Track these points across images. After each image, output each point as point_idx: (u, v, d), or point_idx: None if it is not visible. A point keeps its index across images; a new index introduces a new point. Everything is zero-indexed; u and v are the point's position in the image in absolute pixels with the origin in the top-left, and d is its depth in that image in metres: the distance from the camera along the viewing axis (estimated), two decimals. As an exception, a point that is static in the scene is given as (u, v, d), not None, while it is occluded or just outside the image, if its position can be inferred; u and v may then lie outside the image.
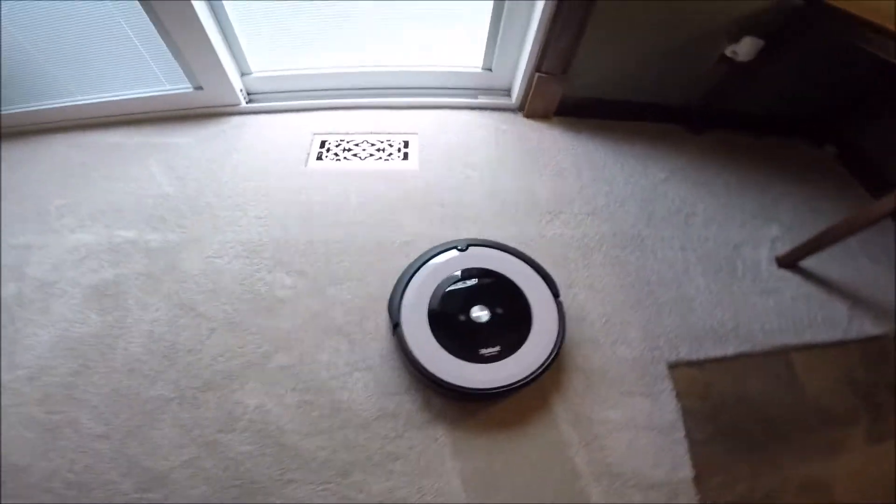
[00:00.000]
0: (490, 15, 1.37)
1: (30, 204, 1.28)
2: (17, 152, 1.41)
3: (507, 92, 1.58)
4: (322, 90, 1.53)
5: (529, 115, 1.55)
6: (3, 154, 1.39)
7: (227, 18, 1.32)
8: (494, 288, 1.04)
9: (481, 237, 1.19)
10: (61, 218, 1.25)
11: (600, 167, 1.45)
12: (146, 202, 1.28)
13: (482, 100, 1.55)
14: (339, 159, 1.40)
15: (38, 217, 1.25)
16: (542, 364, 0.94)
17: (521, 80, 1.46)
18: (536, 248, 1.22)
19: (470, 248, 1.11)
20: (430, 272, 1.07)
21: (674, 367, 1.06)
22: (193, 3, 1.19)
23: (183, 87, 1.44)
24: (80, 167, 1.37)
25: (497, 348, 0.95)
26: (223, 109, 1.48)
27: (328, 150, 1.42)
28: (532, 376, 0.92)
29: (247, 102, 1.51)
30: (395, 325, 0.99)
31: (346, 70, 1.49)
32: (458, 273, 1.06)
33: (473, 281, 1.05)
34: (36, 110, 1.40)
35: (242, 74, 1.48)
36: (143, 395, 0.95)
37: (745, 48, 1.33)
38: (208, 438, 0.91)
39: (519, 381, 0.92)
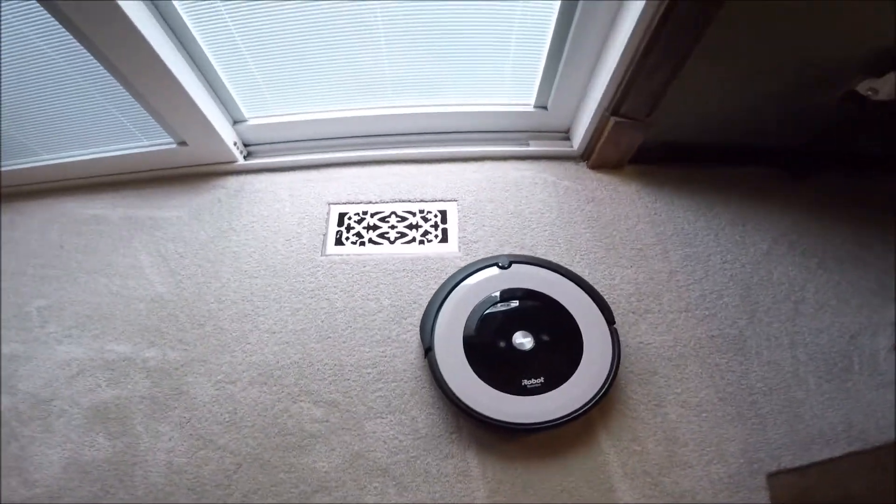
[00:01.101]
0: (549, 41, 1.03)
1: (7, 301, 1.11)
2: None
3: (566, 134, 1.25)
4: (336, 139, 1.24)
5: (597, 166, 1.24)
6: None
7: (202, 52, 1.01)
8: (540, 311, 0.97)
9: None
10: (45, 324, 1.07)
11: (691, 240, 1.16)
12: (137, 307, 1.08)
13: (535, 146, 1.24)
14: (364, 241, 1.14)
15: (19, 321, 1.08)
16: (593, 397, 0.87)
17: (588, 122, 1.14)
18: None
19: (513, 265, 1.02)
20: (467, 292, 0.99)
21: (773, 476, 0.92)
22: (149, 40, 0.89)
23: (163, 142, 1.17)
24: (58, 252, 1.16)
25: (541, 379, 0.88)
26: (217, 168, 1.21)
27: (348, 227, 1.16)
28: (580, 411, 0.86)
29: (245, 158, 1.22)
30: (427, 350, 0.93)
31: (363, 113, 1.19)
32: (498, 294, 0.98)
33: (515, 303, 0.97)
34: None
35: (235, 122, 1.19)
36: None
37: (888, 85, 1.00)
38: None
39: (565, 417, 0.86)
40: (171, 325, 1.06)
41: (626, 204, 1.21)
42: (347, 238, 1.15)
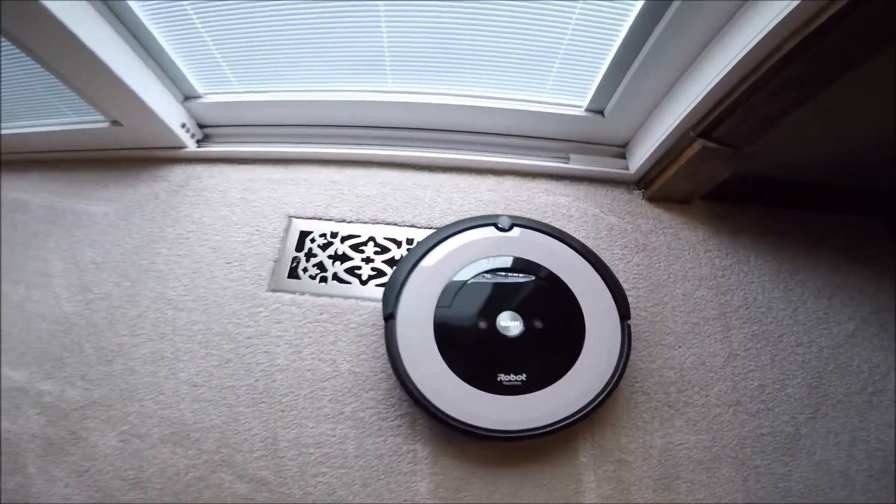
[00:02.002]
0: (623, 33, 0.71)
1: None
2: None
3: (622, 151, 0.91)
4: (314, 127, 0.95)
5: (657, 198, 0.90)
6: None
7: (132, 12, 0.75)
8: (538, 291, 0.78)
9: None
10: None
11: (762, 316, 0.85)
12: (39, 327, 0.85)
13: (577, 163, 0.90)
14: (326, 277, 0.86)
15: None
16: (587, 405, 0.72)
17: (659, 140, 0.81)
18: (632, 463, 0.77)
19: (515, 228, 0.83)
20: (451, 254, 0.80)
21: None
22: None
23: (94, 120, 0.90)
24: None
25: (522, 377, 0.72)
26: (161, 154, 0.95)
27: (309, 253, 0.87)
28: (567, 421, 0.71)
29: (198, 143, 0.94)
30: (388, 318, 0.75)
31: (351, 97, 0.88)
32: (490, 260, 0.80)
33: (510, 276, 0.79)
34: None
35: (186, 98, 0.90)
36: None
37: None
38: None
39: (547, 427, 0.70)
40: (75, 357, 0.84)
41: (687, 258, 0.88)
42: (305, 269, 0.86)
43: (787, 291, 0.88)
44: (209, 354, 0.81)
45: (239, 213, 0.90)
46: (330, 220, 0.89)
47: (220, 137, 0.96)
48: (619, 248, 0.88)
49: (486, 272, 0.79)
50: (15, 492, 0.77)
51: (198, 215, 0.90)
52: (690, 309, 0.85)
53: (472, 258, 0.80)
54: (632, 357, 0.80)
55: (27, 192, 0.97)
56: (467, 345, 0.75)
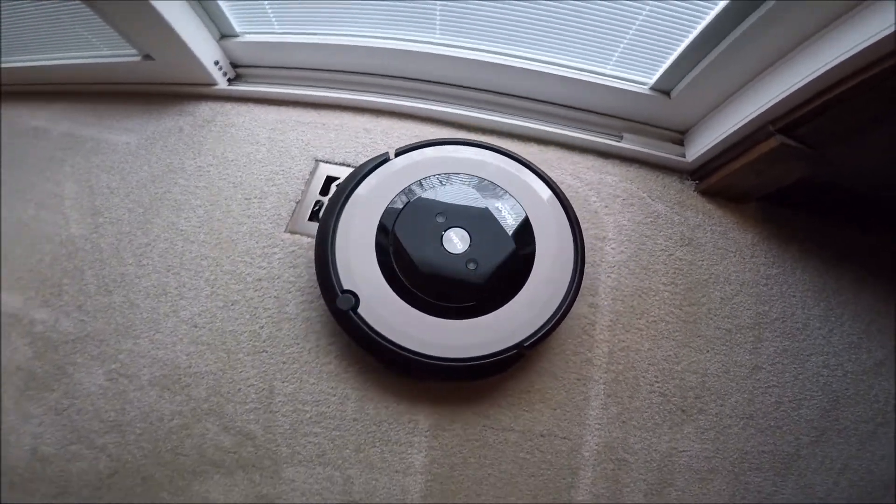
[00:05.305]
0: (712, 16, 0.65)
1: None
2: None
3: (680, 137, 0.84)
4: (351, 74, 0.90)
5: (711, 192, 0.84)
6: None
7: None
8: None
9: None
10: None
11: (797, 332, 0.80)
12: (42, 249, 0.81)
13: (630, 143, 0.84)
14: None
15: None
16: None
17: (728, 130, 0.74)
18: (632, 465, 0.72)
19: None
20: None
21: None
22: None
23: (126, 54, 0.87)
24: None
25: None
26: (190, 90, 0.91)
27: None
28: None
29: (230, 81, 0.90)
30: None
31: (394, 46, 0.83)
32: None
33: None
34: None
35: (222, 37, 0.86)
36: None
37: None
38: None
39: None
40: (75, 284, 0.79)
41: (732, 260, 0.82)
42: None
43: (826, 311, 0.82)
44: (215, 294, 0.76)
45: (265, 151, 0.85)
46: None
47: (253, 77, 0.92)
48: (663, 238, 0.81)
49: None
50: None
51: (221, 150, 0.85)
52: (726, 314, 0.79)
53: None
54: (657, 355, 0.76)
55: (49, 120, 0.94)
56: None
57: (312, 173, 0.84)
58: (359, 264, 0.68)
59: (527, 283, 0.69)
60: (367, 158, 0.83)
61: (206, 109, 0.89)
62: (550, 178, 0.76)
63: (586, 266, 0.78)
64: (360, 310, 0.66)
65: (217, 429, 0.72)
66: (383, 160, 0.75)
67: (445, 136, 0.82)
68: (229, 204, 0.81)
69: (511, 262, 0.69)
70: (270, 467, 0.70)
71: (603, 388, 0.74)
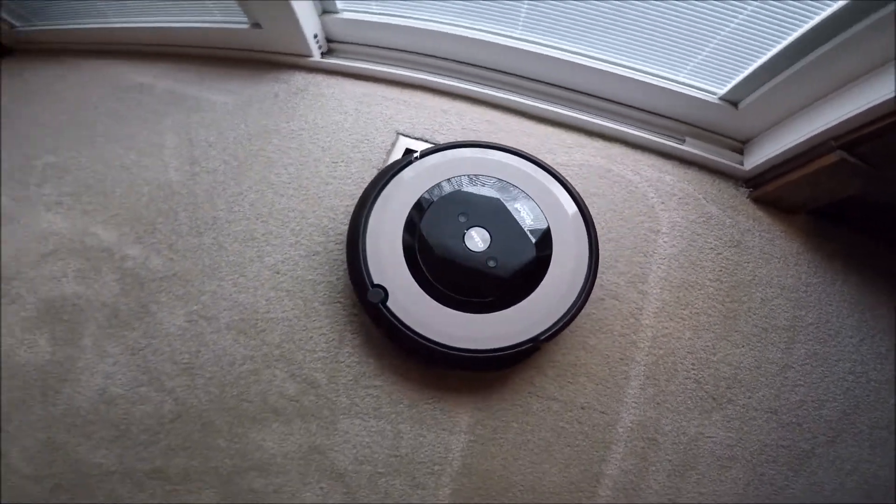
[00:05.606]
0: (798, 35, 0.69)
1: (19, 153, 0.95)
2: (36, 77, 1.05)
3: (740, 146, 0.89)
4: (435, 58, 0.97)
5: (764, 200, 0.89)
6: (26, 77, 1.06)
7: None
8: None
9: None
10: (43, 183, 0.92)
11: (830, 338, 0.85)
12: (140, 190, 0.89)
13: (691, 147, 0.89)
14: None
15: (21, 174, 0.93)
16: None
17: (789, 143, 0.79)
18: (661, 445, 0.78)
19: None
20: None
21: None
22: None
23: (236, 21, 0.95)
24: (90, 110, 0.99)
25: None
26: (287, 59, 0.98)
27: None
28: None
29: (322, 54, 0.97)
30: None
31: (478, 37, 0.89)
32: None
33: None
34: (61, 30, 1.06)
35: (324, 12, 0.93)
36: (82, 457, 0.76)
37: None
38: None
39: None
40: (168, 224, 0.87)
41: (776, 265, 0.86)
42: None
43: (860, 322, 0.86)
44: (298, 243, 0.83)
45: (351, 121, 0.92)
46: (435, 143, 0.90)
47: (343, 53, 0.99)
48: (714, 238, 0.86)
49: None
50: (59, 363, 0.79)
51: (312, 117, 0.93)
52: (765, 314, 0.84)
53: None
54: (696, 345, 0.81)
55: (154, 77, 1.02)
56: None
57: (393, 144, 0.91)
58: (387, 260, 0.73)
59: (542, 282, 0.73)
60: (443, 137, 0.90)
61: (299, 79, 0.97)
62: (567, 180, 0.80)
63: (637, 255, 0.84)
64: (388, 303, 0.71)
65: (284, 375, 0.77)
66: (410, 161, 0.79)
67: (474, 140, 0.85)
68: (318, 165, 0.89)
69: (528, 262, 0.74)
70: (328, 417, 0.76)
71: (643, 369, 0.80)
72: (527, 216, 0.76)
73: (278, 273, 0.82)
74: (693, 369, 0.80)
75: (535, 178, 0.79)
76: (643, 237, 0.85)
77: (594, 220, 0.78)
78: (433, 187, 0.77)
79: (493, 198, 0.77)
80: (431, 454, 0.75)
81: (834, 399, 0.82)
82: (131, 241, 0.86)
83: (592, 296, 0.76)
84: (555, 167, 0.82)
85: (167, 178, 0.90)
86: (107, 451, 0.75)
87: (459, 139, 0.89)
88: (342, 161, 0.89)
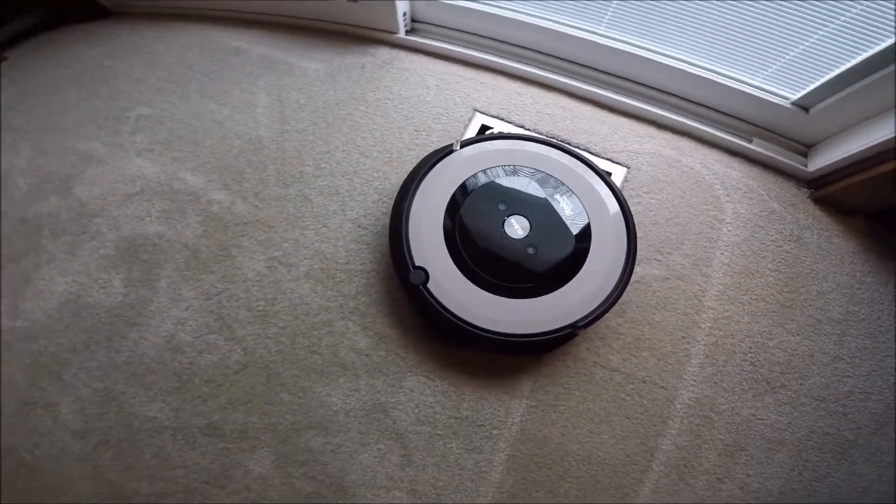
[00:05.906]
0: (881, 48, 0.73)
1: (114, 104, 0.99)
2: (134, 38, 1.10)
3: (804, 149, 0.93)
4: (513, 45, 1.03)
5: (824, 201, 0.92)
6: (125, 38, 1.10)
7: None
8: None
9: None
10: (135, 133, 0.96)
11: (881, 333, 0.87)
12: (231, 143, 0.93)
13: (758, 146, 0.94)
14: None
15: (115, 123, 0.97)
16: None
17: (855, 148, 0.82)
18: (716, 423, 0.80)
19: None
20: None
21: None
22: None
23: None
24: (186, 69, 1.04)
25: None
26: (373, 34, 1.04)
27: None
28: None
29: (406, 32, 1.03)
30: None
31: (556, 28, 0.95)
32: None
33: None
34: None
35: (414, -8, 0.99)
36: (136, 409, 0.76)
37: None
38: (191, 485, 0.73)
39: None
40: (255, 174, 0.91)
41: (832, 261, 0.89)
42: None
43: None
44: (381, 201, 0.88)
45: (433, 95, 0.98)
46: (510, 122, 0.95)
47: (425, 32, 1.05)
48: (775, 231, 0.90)
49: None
50: (131, 306, 0.80)
51: (397, 88, 0.98)
52: (820, 306, 0.86)
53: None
54: (753, 329, 0.83)
55: (249, 43, 1.08)
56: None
57: (470, 120, 0.96)
58: (428, 244, 0.75)
59: (580, 272, 0.75)
60: (518, 117, 0.95)
61: (384, 53, 1.03)
62: (612, 181, 0.83)
63: (702, 241, 0.88)
64: (429, 285, 0.73)
65: (357, 328, 0.79)
66: (450, 150, 0.83)
67: (514, 132, 0.89)
68: (401, 132, 0.94)
69: (568, 253, 0.76)
70: (395, 374, 0.77)
71: (703, 348, 0.82)
72: (567, 208, 0.79)
73: (360, 227, 0.86)
74: (750, 352, 0.82)
75: (579, 175, 0.82)
76: (708, 224, 0.88)
77: (657, 207, 0.84)
78: (472, 176, 0.80)
79: (532, 188, 0.80)
80: (491, 417, 0.76)
81: (880, 392, 0.83)
82: (218, 187, 0.90)
83: (657, 273, 0.81)
84: (621, 155, 0.87)
85: (258, 133, 0.95)
86: (163, 405, 0.75)
87: (497, 132, 0.92)
88: (424, 130, 0.94)
